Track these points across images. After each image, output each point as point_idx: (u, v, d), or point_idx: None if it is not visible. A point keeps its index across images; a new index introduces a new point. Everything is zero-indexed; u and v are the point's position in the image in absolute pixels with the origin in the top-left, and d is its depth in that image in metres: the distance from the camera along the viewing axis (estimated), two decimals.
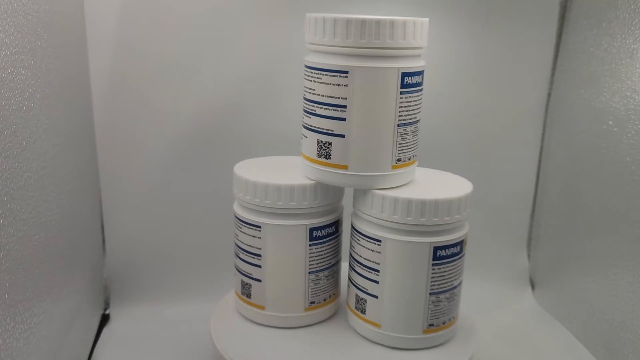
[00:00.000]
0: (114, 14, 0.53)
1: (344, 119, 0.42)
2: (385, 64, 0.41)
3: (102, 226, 0.59)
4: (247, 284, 0.47)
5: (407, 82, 0.42)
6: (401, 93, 0.42)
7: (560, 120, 0.61)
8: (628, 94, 0.50)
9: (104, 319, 0.59)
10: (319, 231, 0.45)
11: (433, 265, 0.43)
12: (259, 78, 0.58)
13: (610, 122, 0.52)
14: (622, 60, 0.51)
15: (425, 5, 0.58)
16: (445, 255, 0.43)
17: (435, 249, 0.42)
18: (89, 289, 0.53)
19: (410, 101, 0.43)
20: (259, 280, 0.46)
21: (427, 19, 0.42)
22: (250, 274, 0.46)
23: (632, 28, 0.50)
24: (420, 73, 0.43)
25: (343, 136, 0.42)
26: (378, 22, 0.39)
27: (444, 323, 0.45)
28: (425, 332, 0.44)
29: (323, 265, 0.47)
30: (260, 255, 0.45)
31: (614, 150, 0.52)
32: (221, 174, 0.59)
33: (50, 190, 0.40)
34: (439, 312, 0.44)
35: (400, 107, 0.42)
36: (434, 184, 0.45)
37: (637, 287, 0.49)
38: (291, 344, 0.45)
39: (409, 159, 0.45)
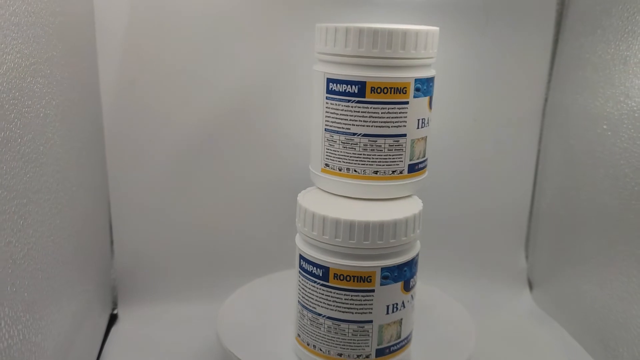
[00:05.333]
0: (122, 24, 0.55)
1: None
2: (317, 67, 0.43)
3: (111, 229, 0.60)
4: None
5: (331, 88, 0.42)
6: (327, 98, 0.42)
7: (557, 125, 0.62)
8: (621, 99, 0.51)
9: (112, 319, 0.60)
10: None
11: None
12: (266, 84, 0.59)
13: (605, 127, 0.53)
14: (616, 66, 0.52)
15: (424, 13, 0.59)
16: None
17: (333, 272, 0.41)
18: (97, 290, 0.55)
19: (337, 109, 0.42)
20: None
21: (356, 25, 0.40)
22: None
23: (625, 35, 0.51)
24: (350, 83, 0.41)
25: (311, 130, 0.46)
26: (317, 28, 0.42)
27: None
28: None
29: None
30: None
31: (608, 154, 0.53)
32: (228, 177, 0.61)
33: (64, 194, 0.42)
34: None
35: (327, 112, 0.43)
36: (378, 205, 0.43)
37: (631, 287, 0.50)
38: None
39: (339, 170, 0.43)
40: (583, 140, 0.57)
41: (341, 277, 0.40)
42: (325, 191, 0.45)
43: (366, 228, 0.39)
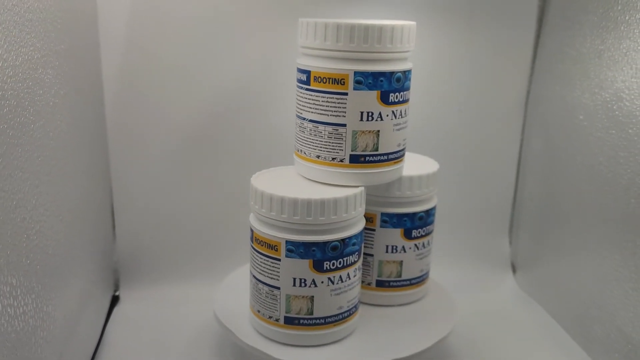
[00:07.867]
0: (124, 20, 0.57)
1: None
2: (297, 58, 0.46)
3: (113, 214, 0.62)
4: None
5: (298, 77, 0.45)
6: (297, 86, 0.46)
7: (538, 116, 0.65)
8: (596, 90, 0.54)
9: (114, 300, 0.62)
10: None
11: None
12: (264, 80, 0.61)
13: (581, 117, 0.56)
14: (592, 59, 0.55)
15: (410, 6, 0.61)
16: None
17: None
18: (100, 272, 0.57)
19: (299, 96, 0.46)
20: None
21: (305, 19, 0.43)
22: None
23: (600, 30, 0.54)
24: (301, 71, 0.44)
25: None
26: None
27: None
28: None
29: None
30: None
31: (584, 143, 0.56)
32: (225, 164, 0.63)
33: (69, 178, 0.44)
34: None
35: (296, 98, 0.46)
36: (316, 187, 0.45)
37: (604, 269, 0.53)
38: None
39: (303, 152, 0.46)
40: (562, 131, 0.60)
41: (258, 241, 0.45)
42: (296, 172, 0.48)
43: (272, 200, 0.42)
